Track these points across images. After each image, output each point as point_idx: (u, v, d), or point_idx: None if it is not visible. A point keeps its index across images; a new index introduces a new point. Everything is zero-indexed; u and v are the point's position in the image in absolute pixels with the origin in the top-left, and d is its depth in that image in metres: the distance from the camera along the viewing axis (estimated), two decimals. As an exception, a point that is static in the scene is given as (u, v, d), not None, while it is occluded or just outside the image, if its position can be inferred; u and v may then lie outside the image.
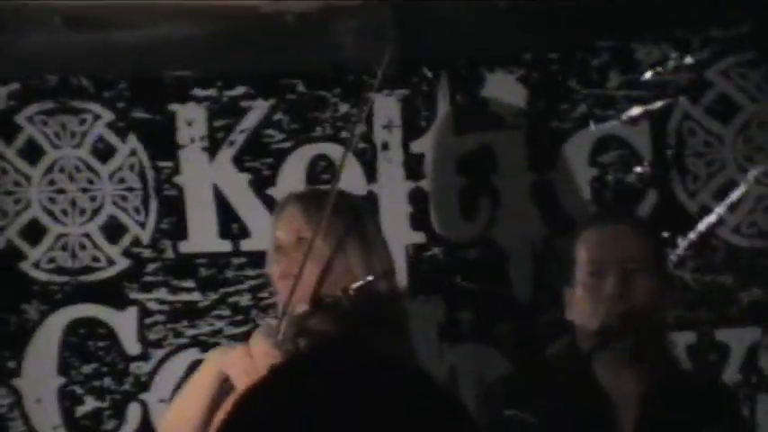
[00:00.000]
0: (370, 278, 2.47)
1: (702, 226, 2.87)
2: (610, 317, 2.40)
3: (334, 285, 2.48)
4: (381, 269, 2.54)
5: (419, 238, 2.98)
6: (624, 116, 2.92)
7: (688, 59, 2.92)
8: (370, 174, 2.99)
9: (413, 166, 2.97)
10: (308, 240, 2.45)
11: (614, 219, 2.70)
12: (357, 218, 2.60)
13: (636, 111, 2.92)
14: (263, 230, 2.86)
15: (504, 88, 2.96)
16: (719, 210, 2.87)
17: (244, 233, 3.02)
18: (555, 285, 2.59)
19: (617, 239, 2.48)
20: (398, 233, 2.93)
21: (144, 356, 2.96)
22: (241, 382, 2.47)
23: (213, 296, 3.01)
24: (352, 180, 2.95)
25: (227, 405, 2.26)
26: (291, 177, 3.00)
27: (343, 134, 2.97)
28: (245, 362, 2.49)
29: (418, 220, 2.98)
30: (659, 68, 2.92)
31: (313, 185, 2.98)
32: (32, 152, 3.08)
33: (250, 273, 2.98)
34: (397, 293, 2.63)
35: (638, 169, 2.93)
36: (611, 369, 2.46)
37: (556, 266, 2.69)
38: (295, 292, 2.42)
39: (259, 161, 3.05)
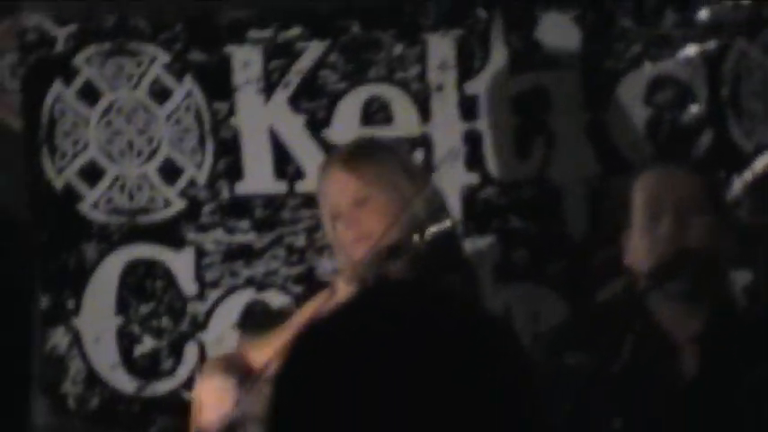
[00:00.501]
0: (447, 223, 2.54)
1: (759, 165, 2.90)
2: (665, 257, 2.45)
3: (405, 234, 2.53)
4: (436, 211, 2.59)
5: (473, 179, 3.03)
6: (680, 55, 2.97)
7: (744, -3, 2.97)
8: (425, 115, 3.04)
9: (467, 107, 3.03)
10: (369, 200, 2.53)
11: (669, 161, 2.77)
12: (405, 165, 2.67)
13: (691, 50, 2.96)
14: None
15: (558, 28, 3.01)
16: (776, 149, 2.91)
17: (299, 174, 3.09)
18: (610, 225, 2.64)
19: (672, 182, 2.55)
20: (453, 174, 3.00)
21: (200, 296, 3.03)
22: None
23: (269, 237, 3.08)
24: (406, 121, 3.02)
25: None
26: (346, 119, 3.07)
27: (398, 75, 3.03)
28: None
29: (473, 161, 3.03)
30: (715, 6, 2.95)
31: (368, 126, 3.05)
32: (90, 94, 3.17)
33: (305, 214, 3.04)
34: (458, 235, 2.71)
35: (694, 109, 2.98)
36: (668, 309, 2.53)
37: (611, 206, 2.74)
38: (375, 250, 2.48)
39: (314, 102, 3.10)
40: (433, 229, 2.52)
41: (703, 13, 2.97)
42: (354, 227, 2.57)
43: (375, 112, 3.07)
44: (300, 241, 3.06)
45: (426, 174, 2.77)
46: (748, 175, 2.94)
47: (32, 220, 3.17)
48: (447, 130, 3.04)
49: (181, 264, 3.09)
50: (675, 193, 2.51)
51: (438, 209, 2.63)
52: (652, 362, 2.53)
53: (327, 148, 3.05)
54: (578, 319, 2.89)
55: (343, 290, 2.49)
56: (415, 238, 2.52)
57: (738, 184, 2.94)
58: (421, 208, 2.57)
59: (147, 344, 3.05)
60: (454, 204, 2.93)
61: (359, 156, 2.65)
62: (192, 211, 3.12)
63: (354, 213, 2.58)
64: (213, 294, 3.04)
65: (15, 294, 3.15)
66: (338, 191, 2.62)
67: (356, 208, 2.57)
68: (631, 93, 3.01)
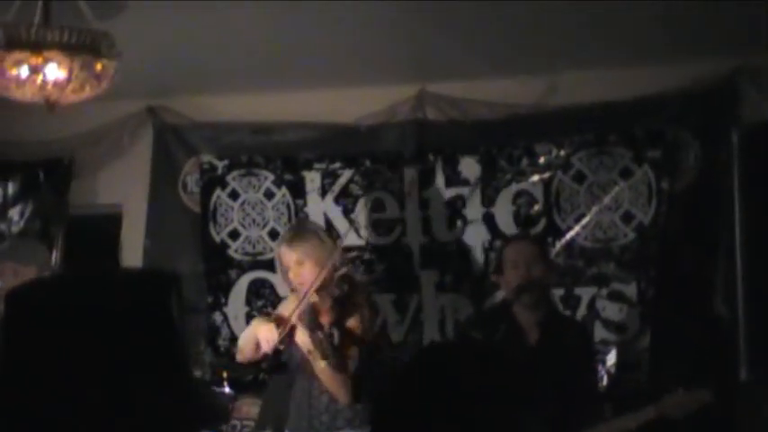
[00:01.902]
0: (342, 270, 4.04)
1: (566, 237, 5.19)
2: (522, 284, 3.87)
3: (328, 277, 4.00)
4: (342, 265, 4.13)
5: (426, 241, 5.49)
6: (530, 179, 5.40)
7: None
8: (402, 207, 5.51)
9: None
10: (304, 262, 4.05)
11: (522, 237, 4.60)
12: (322, 238, 4.20)
13: (536, 177, 5.37)
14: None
15: (470, 166, 5.46)
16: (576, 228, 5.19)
17: (338, 236, 5.50)
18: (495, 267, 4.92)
19: (524, 247, 4.08)
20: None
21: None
22: (266, 345, 3.98)
23: None
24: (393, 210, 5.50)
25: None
26: (362, 212, 5.51)
27: (394, 187, 5.48)
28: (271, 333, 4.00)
29: (424, 230, 5.52)
30: (547, 156, 5.37)
31: (375, 213, 5.45)
32: (234, 195, 5.62)
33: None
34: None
35: (536, 207, 5.30)
36: (522, 312, 3.92)
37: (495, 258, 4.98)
38: (308, 293, 3.98)
39: (346, 200, 5.47)
40: (339, 273, 4.00)
41: (541, 159, 5.32)
42: (297, 277, 4.08)
43: (376, 207, 5.46)
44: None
45: (334, 241, 4.42)
46: (562, 242, 5.23)
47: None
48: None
49: (277, 280, 5.39)
50: (526, 253, 4.03)
51: (341, 262, 4.21)
52: (513, 338, 3.85)
53: (353, 223, 5.36)
54: (479, 315, 4.99)
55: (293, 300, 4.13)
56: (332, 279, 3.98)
57: (558, 246, 5.25)
58: (331, 263, 4.03)
59: (260, 322, 5.56)
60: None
61: (296, 237, 4.14)
62: None
63: (298, 269, 4.07)
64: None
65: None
66: (286, 256, 4.10)
67: (298, 266, 4.07)
68: (505, 198, 5.34)
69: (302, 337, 4.01)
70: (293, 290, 4.20)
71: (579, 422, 3.79)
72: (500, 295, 4.51)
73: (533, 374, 3.27)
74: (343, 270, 4.09)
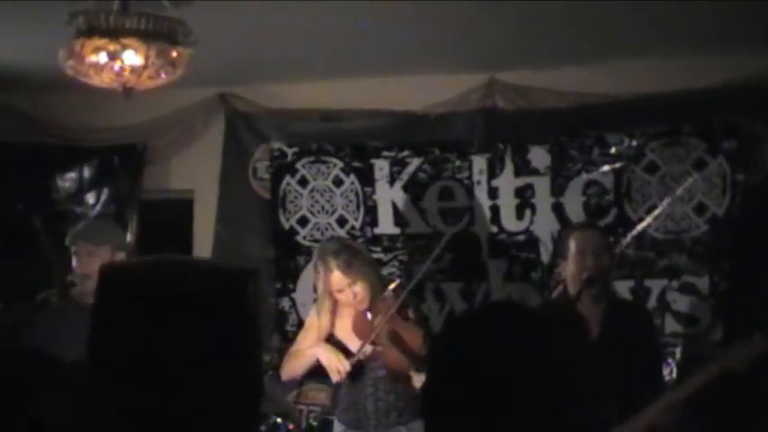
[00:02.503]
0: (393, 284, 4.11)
1: (636, 230, 5.08)
2: (589, 275, 3.76)
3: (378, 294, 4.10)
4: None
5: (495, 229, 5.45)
6: (600, 170, 5.33)
7: None
8: (471, 197, 5.48)
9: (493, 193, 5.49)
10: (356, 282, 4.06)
11: (588, 226, 4.29)
12: (367, 257, 4.27)
13: (606, 167, 5.29)
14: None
15: (539, 155, 5.40)
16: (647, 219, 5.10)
17: (406, 224, 5.44)
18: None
19: (591, 236, 3.94)
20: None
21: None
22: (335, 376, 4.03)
23: (390, 255, 5.46)
24: (462, 199, 5.47)
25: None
26: (430, 198, 5.46)
27: (456, 176, 5.45)
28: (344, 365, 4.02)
29: (493, 220, 5.49)
30: (619, 147, 5.29)
31: (440, 202, 5.44)
32: (303, 182, 5.64)
33: (408, 244, 5.39)
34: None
35: (607, 197, 5.23)
36: (586, 303, 3.80)
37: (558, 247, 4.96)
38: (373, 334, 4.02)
39: (414, 189, 5.45)
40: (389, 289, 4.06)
41: (613, 149, 5.27)
42: (351, 297, 4.09)
43: (444, 196, 5.46)
44: (405, 258, 5.50)
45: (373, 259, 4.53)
46: (634, 233, 5.16)
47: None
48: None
49: None
50: (594, 243, 3.91)
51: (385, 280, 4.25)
52: (576, 329, 3.77)
53: (422, 212, 5.40)
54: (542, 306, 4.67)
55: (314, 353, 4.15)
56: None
57: (628, 237, 5.20)
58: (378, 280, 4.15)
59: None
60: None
61: (343, 265, 4.06)
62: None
63: (350, 291, 4.08)
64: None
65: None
66: (339, 281, 4.07)
67: (350, 287, 4.09)
68: (575, 188, 5.30)
69: (392, 356, 4.06)
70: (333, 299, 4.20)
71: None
72: (559, 288, 4.32)
73: (596, 366, 3.32)
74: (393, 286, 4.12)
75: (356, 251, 4.23)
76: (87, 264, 4.01)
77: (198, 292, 1.44)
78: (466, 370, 1.49)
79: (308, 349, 4.22)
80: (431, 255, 4.29)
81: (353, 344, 4.15)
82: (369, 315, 4.11)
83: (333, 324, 4.22)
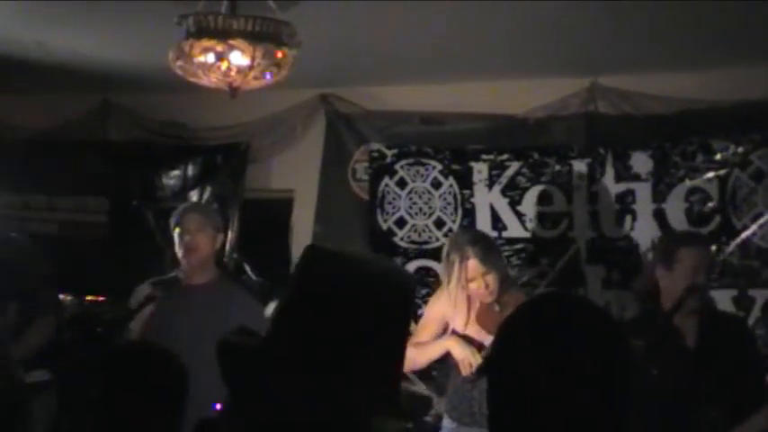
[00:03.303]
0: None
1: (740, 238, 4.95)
2: (696, 289, 3.66)
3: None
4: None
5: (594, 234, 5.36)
6: (704, 176, 5.17)
7: None
8: (570, 200, 5.38)
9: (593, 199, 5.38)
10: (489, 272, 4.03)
11: (701, 240, 4.06)
12: (498, 251, 4.26)
13: (710, 174, 5.14)
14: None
15: (641, 160, 5.28)
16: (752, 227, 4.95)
17: (504, 227, 5.40)
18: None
19: (705, 254, 3.82)
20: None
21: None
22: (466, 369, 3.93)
23: None
24: (561, 204, 5.38)
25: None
26: (529, 202, 5.41)
27: (556, 180, 5.36)
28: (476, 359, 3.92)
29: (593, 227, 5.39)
30: (724, 153, 5.13)
31: (539, 207, 5.39)
32: (402, 183, 5.63)
33: (505, 248, 5.33)
34: None
35: (710, 204, 5.10)
36: (683, 316, 3.70)
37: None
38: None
39: (513, 192, 5.42)
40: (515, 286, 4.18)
41: (717, 155, 5.14)
42: (485, 287, 4.04)
43: (543, 200, 5.37)
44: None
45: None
46: (738, 241, 5.03)
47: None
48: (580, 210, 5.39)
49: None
50: (706, 261, 3.82)
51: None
52: (671, 341, 3.70)
53: (519, 216, 5.36)
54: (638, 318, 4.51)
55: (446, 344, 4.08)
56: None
57: (732, 245, 5.05)
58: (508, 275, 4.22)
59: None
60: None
61: (481, 253, 4.05)
62: None
63: (481, 281, 4.05)
64: (457, 286, 5.49)
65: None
66: (474, 270, 4.03)
67: (482, 277, 4.04)
68: (677, 194, 5.18)
69: None
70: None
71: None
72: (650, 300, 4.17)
73: (695, 380, 3.46)
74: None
75: (491, 242, 4.23)
76: (195, 239, 4.07)
77: (383, 290, 1.50)
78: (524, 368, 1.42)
79: (437, 341, 4.13)
80: (558, 263, 4.39)
81: (477, 336, 4.08)
82: (497, 307, 4.04)
83: (467, 316, 4.13)
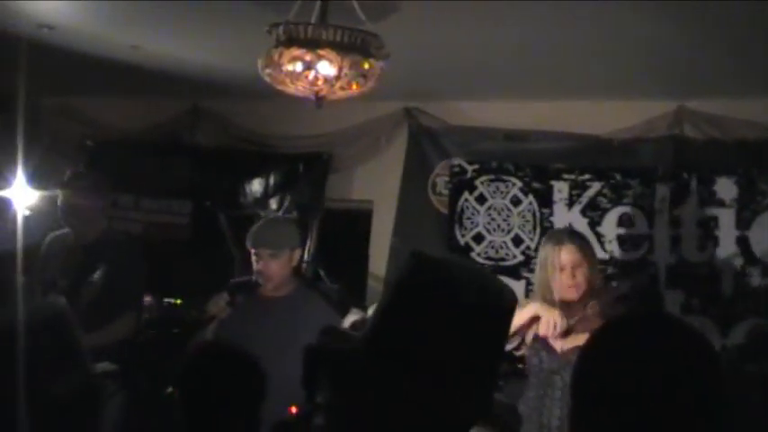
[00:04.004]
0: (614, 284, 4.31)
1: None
2: None
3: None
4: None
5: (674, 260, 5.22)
6: None
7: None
8: (651, 224, 5.26)
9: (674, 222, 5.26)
10: (581, 265, 3.87)
11: None
12: (591, 248, 4.07)
13: None
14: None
15: (725, 186, 5.14)
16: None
17: None
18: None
19: None
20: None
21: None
22: (547, 329, 3.77)
23: None
24: (642, 226, 5.26)
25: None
26: (609, 224, 5.30)
27: (637, 203, 5.25)
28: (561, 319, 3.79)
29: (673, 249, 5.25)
30: None
31: (620, 228, 5.29)
32: (481, 199, 5.59)
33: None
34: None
35: None
36: None
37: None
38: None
39: (593, 213, 5.33)
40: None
41: None
42: (572, 278, 3.86)
43: (624, 222, 5.28)
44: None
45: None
46: None
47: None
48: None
49: (518, 287, 5.35)
50: None
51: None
52: None
53: (599, 237, 5.23)
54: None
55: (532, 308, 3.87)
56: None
57: None
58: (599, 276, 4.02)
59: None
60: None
61: (578, 241, 3.99)
62: (526, 262, 5.42)
63: (573, 271, 3.86)
64: (533, 305, 5.42)
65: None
66: (567, 257, 3.87)
67: (572, 268, 3.88)
68: (763, 222, 5.00)
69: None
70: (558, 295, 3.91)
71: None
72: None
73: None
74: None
75: (588, 241, 4.11)
76: (269, 266, 4.08)
77: (482, 299, 1.48)
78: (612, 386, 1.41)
79: (522, 309, 3.84)
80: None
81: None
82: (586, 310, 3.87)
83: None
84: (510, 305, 1.52)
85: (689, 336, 1.45)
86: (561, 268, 3.87)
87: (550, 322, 3.79)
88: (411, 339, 1.45)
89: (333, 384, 1.52)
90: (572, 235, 4.04)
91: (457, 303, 1.45)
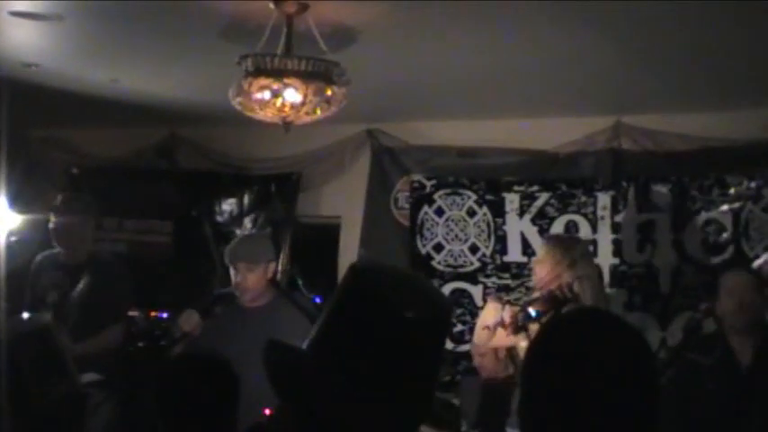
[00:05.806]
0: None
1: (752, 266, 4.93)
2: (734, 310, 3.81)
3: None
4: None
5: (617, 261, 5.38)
6: (720, 209, 5.19)
7: None
8: (594, 230, 5.43)
9: (616, 228, 5.41)
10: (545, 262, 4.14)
11: (741, 270, 4.23)
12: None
13: (725, 207, 5.16)
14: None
15: (660, 193, 5.31)
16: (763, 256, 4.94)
17: (533, 253, 5.32)
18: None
19: (746, 282, 3.96)
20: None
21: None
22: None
23: (517, 281, 5.48)
24: (584, 233, 5.43)
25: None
26: (557, 230, 5.45)
27: (581, 211, 5.43)
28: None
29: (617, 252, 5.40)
30: (738, 188, 5.15)
31: (566, 233, 5.43)
32: (440, 211, 5.74)
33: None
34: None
35: (725, 235, 5.14)
36: (736, 337, 3.85)
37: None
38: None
39: (542, 221, 5.49)
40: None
41: (732, 190, 5.15)
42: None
43: (570, 229, 5.43)
44: (530, 284, 5.45)
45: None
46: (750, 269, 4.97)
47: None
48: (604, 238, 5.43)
49: (476, 291, 5.58)
50: (741, 283, 3.94)
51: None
52: (726, 361, 3.81)
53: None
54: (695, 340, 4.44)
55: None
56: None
57: None
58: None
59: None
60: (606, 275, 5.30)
61: (552, 239, 4.38)
62: (482, 268, 5.59)
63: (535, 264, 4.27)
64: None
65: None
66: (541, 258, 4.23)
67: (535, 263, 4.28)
68: (694, 225, 5.22)
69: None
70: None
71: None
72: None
73: (746, 396, 3.42)
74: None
75: (565, 241, 4.21)
76: (246, 278, 4.16)
77: (423, 304, 1.49)
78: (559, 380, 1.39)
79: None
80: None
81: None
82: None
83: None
84: (446, 314, 1.52)
85: (625, 331, 1.44)
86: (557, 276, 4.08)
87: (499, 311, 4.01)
88: (349, 350, 1.42)
89: (280, 395, 1.49)
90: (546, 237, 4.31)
91: (393, 313, 1.42)
